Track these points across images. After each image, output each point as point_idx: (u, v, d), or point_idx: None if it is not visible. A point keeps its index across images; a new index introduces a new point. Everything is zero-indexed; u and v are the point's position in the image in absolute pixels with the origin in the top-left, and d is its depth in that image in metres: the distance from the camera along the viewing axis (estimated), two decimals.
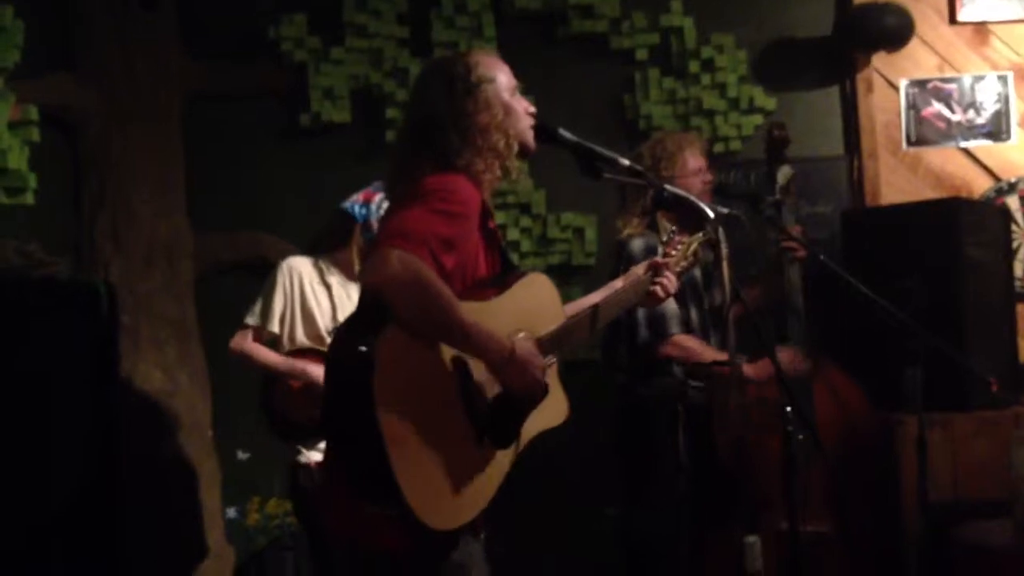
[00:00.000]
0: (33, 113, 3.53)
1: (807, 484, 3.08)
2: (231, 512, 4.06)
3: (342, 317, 2.98)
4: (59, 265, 3.04)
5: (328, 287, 3.19)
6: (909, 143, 4.23)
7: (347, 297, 3.19)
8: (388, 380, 1.80)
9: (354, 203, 3.14)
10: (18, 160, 3.44)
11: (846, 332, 3.79)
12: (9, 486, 2.35)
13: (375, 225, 3.04)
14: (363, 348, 1.81)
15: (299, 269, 3.19)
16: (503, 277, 2.14)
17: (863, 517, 3.39)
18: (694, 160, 3.44)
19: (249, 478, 4.07)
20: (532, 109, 2.19)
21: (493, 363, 1.95)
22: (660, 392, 3.27)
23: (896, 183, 4.21)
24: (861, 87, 4.23)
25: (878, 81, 4.23)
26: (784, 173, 3.46)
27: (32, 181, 3.49)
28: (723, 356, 2.83)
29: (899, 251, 3.71)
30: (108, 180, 3.93)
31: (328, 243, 3.23)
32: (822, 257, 3.27)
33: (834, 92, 4.29)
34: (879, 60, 4.22)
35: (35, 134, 3.54)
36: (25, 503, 2.39)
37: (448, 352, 1.92)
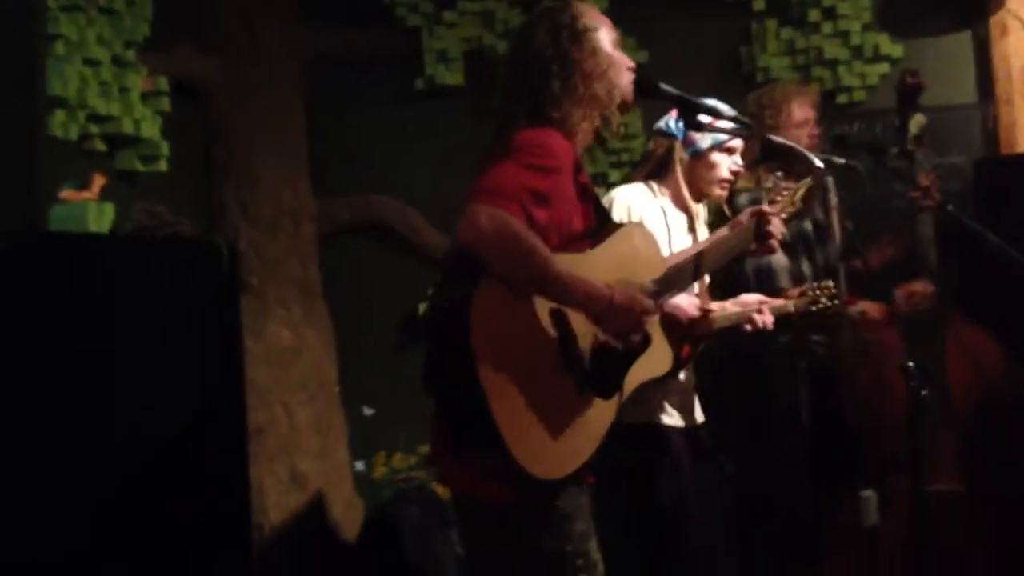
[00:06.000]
0: (163, 84, 3.69)
1: (936, 442, 3.00)
2: (358, 465, 4.20)
3: (675, 244, 2.71)
4: (184, 225, 3.18)
5: (663, 212, 2.80)
6: None
7: (678, 224, 2.81)
8: (486, 332, 1.82)
9: (668, 119, 2.80)
10: (151, 129, 3.61)
11: (981, 288, 3.65)
12: (135, 434, 2.48)
13: (697, 139, 2.73)
14: (459, 301, 1.83)
15: (628, 199, 2.78)
16: (599, 229, 2.13)
17: (997, 479, 3.28)
18: (800, 111, 3.32)
19: (374, 433, 4.19)
20: (632, 64, 2.17)
21: (594, 312, 1.95)
22: (779, 347, 3.21)
23: None
24: (995, 31, 4.03)
25: (1013, 24, 4.02)
26: (917, 122, 3.32)
27: (165, 149, 3.66)
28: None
29: None
30: (234, 148, 4.07)
31: (653, 166, 2.84)
32: (951, 209, 3.15)
33: (965, 37, 4.10)
34: (1014, 1, 4.01)
35: (166, 104, 3.70)
36: (151, 456, 2.51)
37: (545, 303, 1.93)
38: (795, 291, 2.83)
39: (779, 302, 2.76)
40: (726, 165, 2.75)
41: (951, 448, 3.14)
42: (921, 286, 3.20)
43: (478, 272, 1.85)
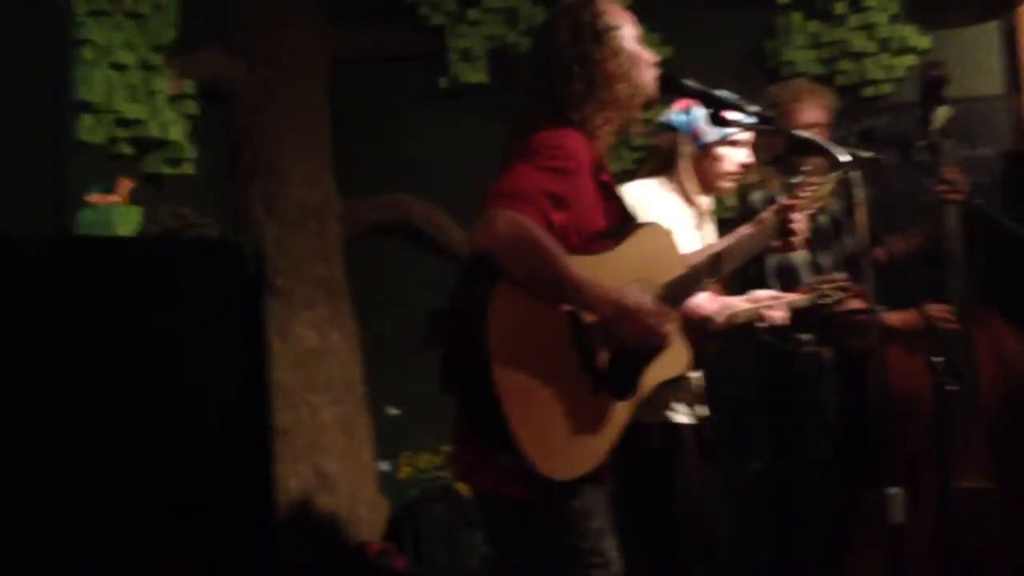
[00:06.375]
0: (189, 87, 3.72)
1: (966, 438, 2.97)
2: (384, 466, 4.21)
3: (682, 239, 2.62)
4: (209, 227, 3.20)
5: (671, 207, 2.80)
6: None
7: (685, 219, 2.80)
8: (502, 334, 1.83)
9: (672, 113, 2.81)
10: (178, 133, 3.64)
11: (1009, 281, 3.61)
12: (161, 435, 2.50)
13: (701, 132, 2.75)
14: (475, 302, 1.84)
15: (639, 197, 2.71)
16: (620, 229, 2.12)
17: None
18: (810, 112, 3.27)
19: (400, 433, 4.21)
20: (655, 59, 2.16)
21: (605, 317, 1.95)
22: (805, 344, 3.20)
23: None
24: (1023, 21, 3.97)
25: None
26: (942, 114, 3.29)
27: (191, 152, 3.69)
28: (861, 304, 2.74)
29: None
30: (260, 149, 4.09)
31: (659, 162, 2.86)
32: (979, 202, 3.12)
33: (993, 28, 4.04)
34: None
35: (192, 107, 3.73)
36: (177, 455, 2.54)
37: (562, 305, 1.94)
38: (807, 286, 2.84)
39: (790, 297, 2.76)
40: (733, 158, 2.76)
41: (980, 444, 3.10)
42: (948, 309, 3.16)
43: (494, 274, 1.86)
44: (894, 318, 3.08)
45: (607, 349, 1.99)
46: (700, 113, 2.73)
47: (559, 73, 2.06)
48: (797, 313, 2.76)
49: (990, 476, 3.10)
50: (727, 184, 2.79)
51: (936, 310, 3.10)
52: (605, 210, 2.11)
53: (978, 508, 3.00)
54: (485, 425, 1.88)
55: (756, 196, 3.22)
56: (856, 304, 3.07)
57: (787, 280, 3.16)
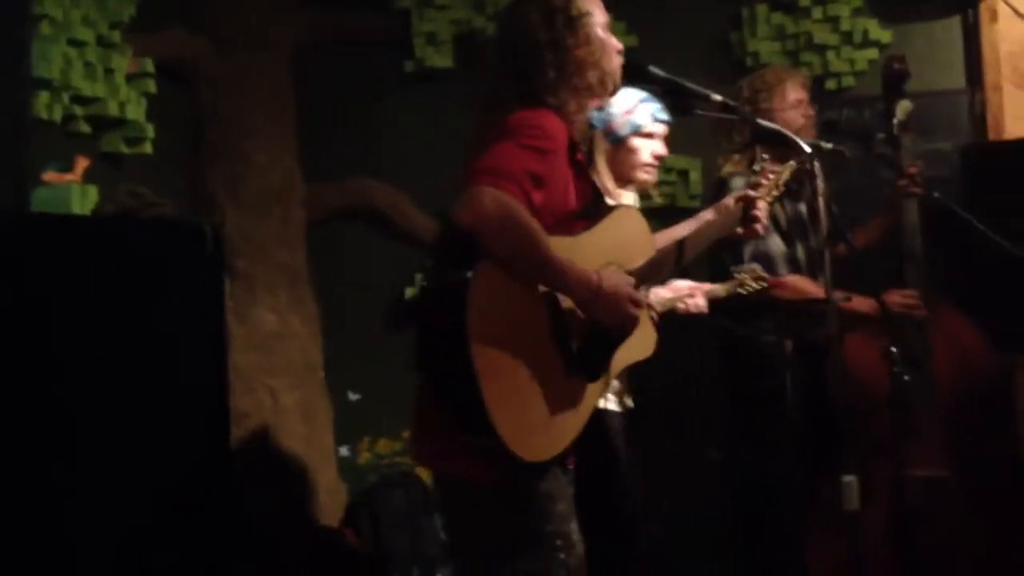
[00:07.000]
0: (149, 66, 3.66)
1: (921, 427, 3.02)
2: (343, 451, 4.20)
3: None
4: (167, 207, 3.16)
5: None
6: None
7: None
8: (480, 314, 1.83)
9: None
10: (136, 111, 3.58)
11: (966, 274, 3.65)
12: (116, 418, 2.47)
13: (615, 127, 2.84)
14: (456, 282, 1.84)
15: None
16: (593, 211, 2.14)
17: (983, 464, 3.29)
18: (794, 92, 3.36)
19: (359, 418, 4.19)
20: (620, 47, 2.16)
21: (581, 300, 1.97)
22: (770, 332, 3.23)
23: (1022, 117, 4.00)
24: (984, 17, 4.03)
25: (1003, 10, 4.01)
26: (903, 108, 3.33)
27: (150, 132, 3.63)
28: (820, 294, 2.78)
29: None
30: (222, 131, 4.04)
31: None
32: (936, 195, 3.15)
33: (955, 23, 4.09)
34: None
35: (151, 86, 3.67)
36: (134, 439, 2.51)
37: (540, 286, 1.95)
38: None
39: (709, 286, 2.83)
40: (647, 150, 2.84)
41: (936, 434, 3.15)
42: (914, 295, 3.21)
43: (471, 255, 1.85)
44: (853, 304, 3.12)
45: (582, 331, 2.00)
46: (614, 109, 2.80)
47: (530, 58, 2.06)
48: (719, 302, 2.83)
49: (945, 465, 3.15)
50: (643, 175, 2.86)
51: (899, 296, 3.15)
52: (578, 190, 2.12)
53: (933, 497, 3.05)
54: (460, 406, 1.87)
55: (736, 182, 3.22)
56: (815, 293, 3.11)
57: (766, 271, 3.18)
